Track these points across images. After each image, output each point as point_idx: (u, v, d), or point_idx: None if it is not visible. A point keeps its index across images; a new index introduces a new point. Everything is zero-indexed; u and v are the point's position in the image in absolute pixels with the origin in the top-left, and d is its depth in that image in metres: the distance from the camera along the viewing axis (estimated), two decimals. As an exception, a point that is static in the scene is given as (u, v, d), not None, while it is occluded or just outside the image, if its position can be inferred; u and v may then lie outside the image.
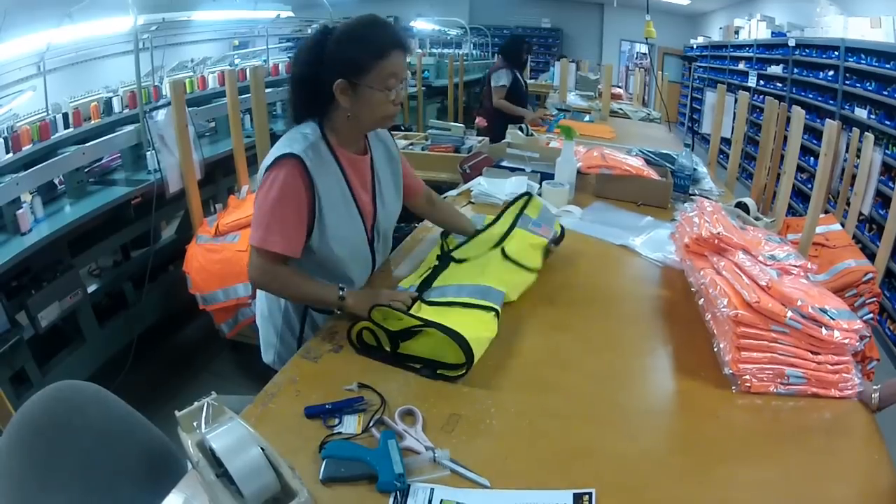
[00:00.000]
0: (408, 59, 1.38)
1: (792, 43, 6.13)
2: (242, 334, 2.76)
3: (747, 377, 1.17)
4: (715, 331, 1.31)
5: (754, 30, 7.71)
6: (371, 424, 1.00)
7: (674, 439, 1.09)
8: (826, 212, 3.42)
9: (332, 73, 1.30)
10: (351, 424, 1.01)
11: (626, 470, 0.97)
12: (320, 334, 1.33)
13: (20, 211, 2.39)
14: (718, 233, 1.46)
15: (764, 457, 1.03)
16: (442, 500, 0.86)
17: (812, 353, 1.17)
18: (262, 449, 0.75)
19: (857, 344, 1.16)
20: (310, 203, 1.34)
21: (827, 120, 2.43)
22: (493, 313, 1.31)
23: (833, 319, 1.16)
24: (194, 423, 0.82)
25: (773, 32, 7.13)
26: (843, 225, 2.85)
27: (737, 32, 8.48)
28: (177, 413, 0.84)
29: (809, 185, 4.33)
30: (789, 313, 1.17)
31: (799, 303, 1.17)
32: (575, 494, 0.88)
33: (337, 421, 1.01)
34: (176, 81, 2.75)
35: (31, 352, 2.41)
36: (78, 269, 2.66)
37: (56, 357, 2.60)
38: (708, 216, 1.57)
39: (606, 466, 0.97)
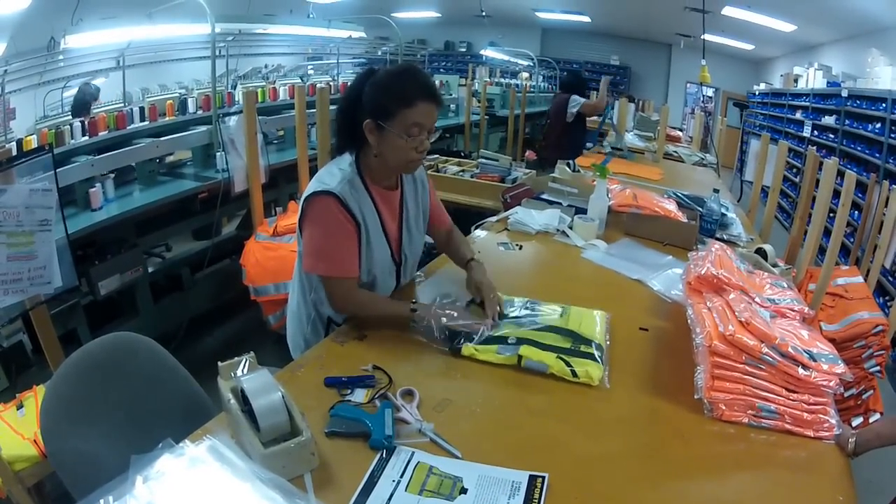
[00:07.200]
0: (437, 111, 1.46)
1: (845, 94, 6.01)
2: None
3: (721, 405, 1.23)
4: (698, 360, 1.39)
5: (811, 79, 7.54)
6: (376, 397, 1.19)
7: (635, 447, 1.16)
8: (858, 261, 3.40)
9: (365, 112, 1.43)
10: (360, 395, 1.20)
11: (584, 465, 1.08)
12: (349, 324, 1.52)
13: (92, 189, 2.67)
14: (719, 273, 1.56)
15: (721, 479, 1.09)
16: (419, 462, 1.03)
17: (788, 390, 1.22)
18: (281, 395, 0.94)
19: (838, 387, 1.20)
20: (356, 231, 1.48)
21: (847, 171, 2.47)
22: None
23: (815, 361, 1.21)
24: (232, 373, 1.02)
25: (828, 82, 6.98)
26: (865, 278, 2.85)
27: (796, 81, 8.30)
28: (219, 364, 1.04)
29: (851, 239, 4.26)
30: (765, 349, 1.22)
31: (778, 341, 1.23)
32: (531, 475, 1.01)
33: (349, 391, 1.21)
34: (248, 92, 2.97)
35: (86, 318, 2.62)
36: (141, 249, 2.89)
37: (109, 325, 2.80)
38: (714, 257, 1.67)
39: (566, 459, 1.09)
